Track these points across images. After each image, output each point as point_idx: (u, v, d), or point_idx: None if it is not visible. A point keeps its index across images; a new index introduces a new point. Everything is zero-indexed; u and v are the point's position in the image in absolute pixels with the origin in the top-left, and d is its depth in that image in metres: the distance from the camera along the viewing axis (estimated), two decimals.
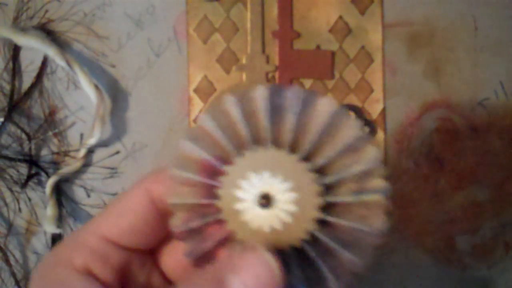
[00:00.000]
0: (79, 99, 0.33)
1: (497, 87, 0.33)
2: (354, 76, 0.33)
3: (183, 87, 0.33)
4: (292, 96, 0.19)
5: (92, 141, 0.32)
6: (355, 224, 0.19)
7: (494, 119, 0.34)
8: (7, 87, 0.33)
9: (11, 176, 0.33)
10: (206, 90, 0.33)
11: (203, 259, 0.20)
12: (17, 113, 0.33)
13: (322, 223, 0.19)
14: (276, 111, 0.19)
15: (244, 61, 0.33)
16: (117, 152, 0.33)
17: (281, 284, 0.19)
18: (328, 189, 0.19)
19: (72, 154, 0.33)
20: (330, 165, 0.19)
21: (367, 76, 0.33)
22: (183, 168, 0.20)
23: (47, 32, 0.33)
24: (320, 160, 0.19)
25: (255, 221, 0.19)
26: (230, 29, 0.33)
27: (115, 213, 0.23)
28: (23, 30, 0.32)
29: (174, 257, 0.24)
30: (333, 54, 0.33)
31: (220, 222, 0.20)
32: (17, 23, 0.33)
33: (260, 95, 0.20)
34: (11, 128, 0.33)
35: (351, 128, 0.19)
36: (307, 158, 0.19)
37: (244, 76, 0.33)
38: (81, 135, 0.34)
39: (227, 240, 0.20)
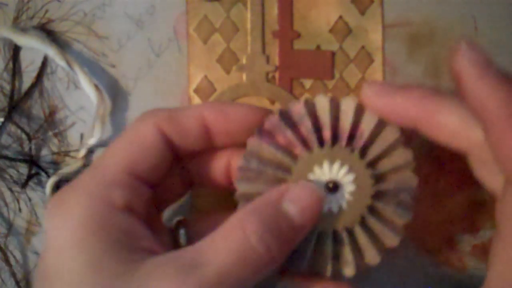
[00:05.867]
0: (79, 99, 0.33)
1: None
2: (354, 76, 0.33)
3: (183, 87, 0.33)
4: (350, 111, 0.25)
5: (92, 141, 0.32)
6: (398, 185, 0.24)
7: None
8: (7, 87, 0.33)
9: (11, 176, 0.33)
10: (206, 90, 0.33)
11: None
12: (17, 113, 0.33)
13: (370, 208, 0.24)
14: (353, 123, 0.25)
15: (244, 61, 0.33)
16: None
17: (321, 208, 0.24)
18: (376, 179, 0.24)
19: (72, 154, 0.33)
20: (377, 160, 0.24)
21: (368, 76, 0.33)
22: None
23: (47, 32, 0.33)
24: (371, 157, 0.24)
25: None
26: (230, 29, 0.33)
27: (128, 147, 0.24)
28: (23, 30, 0.32)
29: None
30: (333, 54, 0.33)
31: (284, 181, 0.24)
32: (17, 23, 0.33)
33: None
34: (11, 128, 0.33)
35: (391, 134, 0.24)
36: (363, 155, 0.24)
37: (244, 76, 0.33)
38: (81, 135, 0.34)
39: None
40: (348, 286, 0.25)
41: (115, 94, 0.33)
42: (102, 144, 0.33)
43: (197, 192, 0.33)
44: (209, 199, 0.33)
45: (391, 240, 0.25)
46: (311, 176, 0.24)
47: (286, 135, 0.24)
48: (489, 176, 0.22)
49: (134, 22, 0.33)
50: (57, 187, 0.33)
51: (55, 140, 0.34)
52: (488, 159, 0.21)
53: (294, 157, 0.24)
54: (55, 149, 0.34)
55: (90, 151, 0.33)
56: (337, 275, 0.25)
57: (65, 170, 0.32)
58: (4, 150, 0.33)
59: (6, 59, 0.33)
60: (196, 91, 0.33)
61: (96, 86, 0.32)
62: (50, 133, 0.33)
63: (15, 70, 0.33)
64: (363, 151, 0.24)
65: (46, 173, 0.33)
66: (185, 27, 0.33)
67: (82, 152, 0.33)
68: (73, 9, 0.33)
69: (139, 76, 0.33)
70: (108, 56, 0.33)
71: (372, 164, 0.24)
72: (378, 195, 0.24)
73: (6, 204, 0.34)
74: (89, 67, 0.33)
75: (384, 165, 0.24)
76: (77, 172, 0.33)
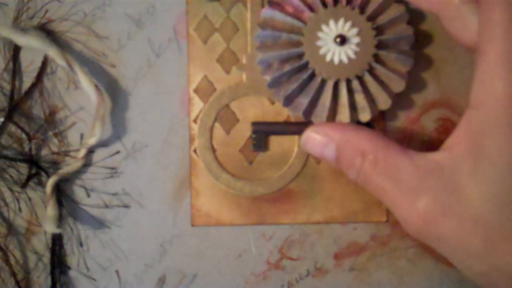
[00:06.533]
0: (79, 99, 0.33)
1: None
2: None
3: (183, 87, 0.33)
4: None
5: (92, 141, 0.32)
6: (396, 35, 0.29)
7: None
8: (7, 87, 0.33)
9: (11, 176, 0.33)
10: (206, 90, 0.33)
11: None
12: (17, 113, 0.33)
13: (375, 56, 0.28)
14: None
15: (244, 61, 0.33)
16: (117, 152, 0.34)
17: None
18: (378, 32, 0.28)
19: (72, 154, 0.34)
20: (376, 15, 0.29)
21: None
22: None
23: (47, 32, 0.33)
24: (370, 11, 0.28)
25: (329, 55, 0.28)
26: (230, 29, 0.33)
27: None
28: (23, 30, 0.32)
29: None
30: None
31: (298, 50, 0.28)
32: (17, 23, 0.33)
33: None
34: (11, 128, 0.33)
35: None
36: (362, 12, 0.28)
37: (244, 76, 0.33)
38: (81, 135, 0.34)
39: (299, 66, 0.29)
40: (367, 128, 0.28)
41: (115, 94, 0.33)
42: (102, 144, 0.33)
43: (197, 191, 0.33)
44: (209, 198, 0.33)
45: (398, 84, 0.29)
46: (320, 34, 0.28)
47: (293, 4, 0.28)
48: (459, 30, 0.27)
49: (134, 22, 0.33)
50: (57, 187, 0.33)
51: (55, 140, 0.34)
52: (457, 15, 0.26)
53: (303, 21, 0.28)
54: (55, 149, 0.34)
55: (90, 151, 0.33)
56: (355, 122, 0.29)
57: (65, 170, 0.32)
58: (4, 150, 0.33)
59: (6, 59, 0.33)
60: (196, 91, 0.33)
61: (96, 86, 0.32)
62: (50, 133, 0.33)
63: (15, 70, 0.33)
64: (362, 9, 0.28)
65: (46, 173, 0.33)
66: (185, 27, 0.33)
67: (82, 152, 0.33)
68: (73, 9, 0.33)
69: (139, 76, 0.33)
70: (108, 56, 0.33)
71: (372, 19, 0.28)
72: (381, 46, 0.28)
73: (6, 204, 0.34)
74: (89, 67, 0.33)
75: (382, 18, 0.28)
76: (77, 172, 0.33)
